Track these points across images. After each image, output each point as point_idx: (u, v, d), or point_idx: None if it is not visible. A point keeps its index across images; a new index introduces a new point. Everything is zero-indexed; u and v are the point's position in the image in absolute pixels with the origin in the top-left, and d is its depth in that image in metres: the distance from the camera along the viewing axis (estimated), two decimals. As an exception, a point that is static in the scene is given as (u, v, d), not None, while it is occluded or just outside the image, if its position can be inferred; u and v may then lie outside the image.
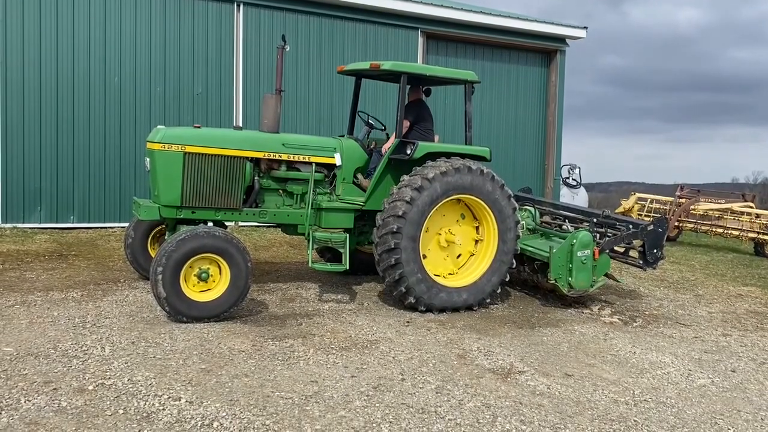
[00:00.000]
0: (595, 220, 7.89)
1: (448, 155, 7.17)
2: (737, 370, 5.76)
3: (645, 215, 14.65)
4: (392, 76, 7.82)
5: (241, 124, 11.95)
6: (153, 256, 7.03)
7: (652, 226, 7.59)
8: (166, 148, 6.47)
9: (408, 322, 6.55)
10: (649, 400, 4.92)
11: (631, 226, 7.64)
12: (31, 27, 10.83)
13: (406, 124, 7.51)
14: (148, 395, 4.35)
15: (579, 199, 17.55)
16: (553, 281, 7.26)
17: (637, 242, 7.75)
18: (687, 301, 8.48)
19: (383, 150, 7.44)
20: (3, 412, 4.00)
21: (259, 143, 6.96)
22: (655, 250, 7.62)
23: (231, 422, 4.05)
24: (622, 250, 7.95)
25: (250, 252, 6.33)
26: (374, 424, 4.16)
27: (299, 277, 8.27)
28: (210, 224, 6.76)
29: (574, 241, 7.20)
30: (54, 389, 4.36)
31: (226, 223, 7.64)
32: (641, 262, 7.72)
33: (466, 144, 7.67)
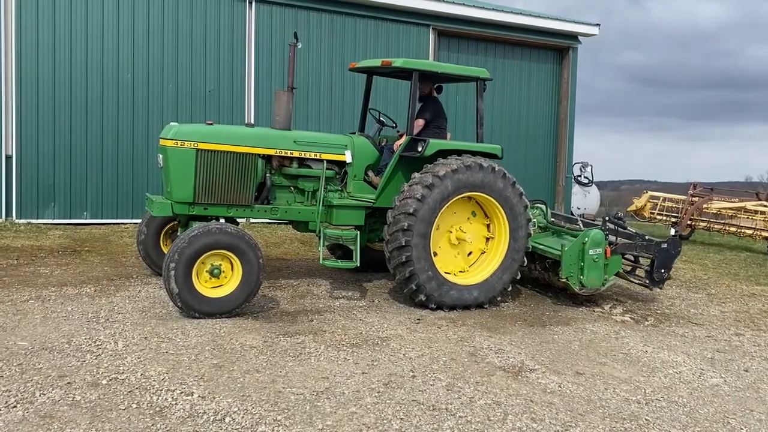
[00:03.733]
0: (606, 217, 7.88)
1: (459, 153, 7.16)
2: (750, 370, 5.72)
3: (657, 214, 14.61)
4: (404, 74, 7.81)
5: (253, 121, 12.01)
6: (165, 252, 7.07)
7: (665, 245, 7.58)
8: (179, 145, 6.51)
9: (419, 319, 6.56)
10: (661, 399, 4.90)
11: (646, 237, 7.65)
12: (45, 25, 10.92)
13: (418, 121, 7.50)
14: (161, 390, 4.39)
15: (590, 197, 17.50)
16: (565, 279, 7.24)
17: (644, 260, 7.74)
18: (699, 300, 8.43)
19: (394, 147, 7.44)
20: (18, 405, 4.05)
21: (270, 140, 6.99)
22: (662, 270, 7.60)
23: (243, 417, 4.07)
24: (628, 268, 7.94)
25: (261, 248, 6.36)
26: (385, 421, 4.17)
27: (310, 274, 8.30)
28: (222, 221, 6.80)
29: (586, 239, 7.18)
30: (68, 383, 4.41)
31: (238, 220, 7.67)
32: (647, 281, 7.70)
33: (477, 141, 7.66)
